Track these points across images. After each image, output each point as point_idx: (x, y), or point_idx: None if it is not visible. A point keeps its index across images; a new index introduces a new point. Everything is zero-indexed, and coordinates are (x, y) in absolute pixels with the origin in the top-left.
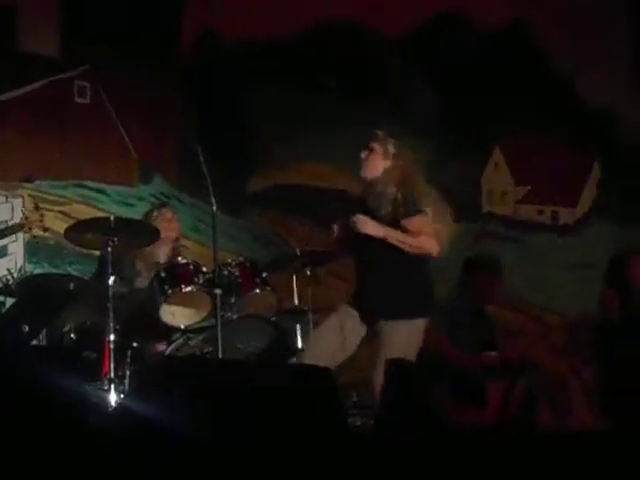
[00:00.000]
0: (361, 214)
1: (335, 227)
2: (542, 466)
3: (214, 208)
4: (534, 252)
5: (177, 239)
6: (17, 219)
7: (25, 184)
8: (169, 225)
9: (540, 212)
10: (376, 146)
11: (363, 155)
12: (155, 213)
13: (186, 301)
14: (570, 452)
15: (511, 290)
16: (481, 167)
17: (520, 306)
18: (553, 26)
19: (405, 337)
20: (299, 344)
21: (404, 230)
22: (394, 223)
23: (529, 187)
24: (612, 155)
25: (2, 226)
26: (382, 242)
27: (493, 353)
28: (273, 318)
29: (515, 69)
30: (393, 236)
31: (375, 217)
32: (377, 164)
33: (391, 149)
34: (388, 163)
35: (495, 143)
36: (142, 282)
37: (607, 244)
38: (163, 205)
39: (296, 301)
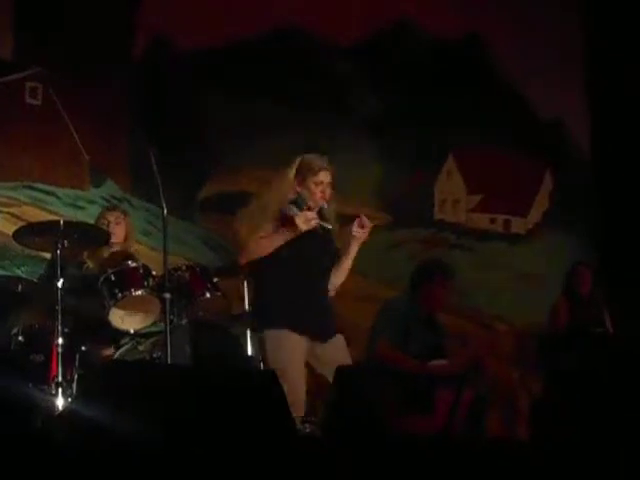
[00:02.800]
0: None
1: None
2: (486, 473)
3: (165, 212)
4: (485, 260)
5: (127, 243)
6: None
7: None
8: (117, 228)
9: (492, 221)
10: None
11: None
12: (105, 215)
13: (136, 305)
14: (516, 460)
15: (462, 298)
16: (434, 175)
17: (470, 314)
18: (504, 37)
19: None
20: (249, 350)
21: None
22: None
23: (481, 196)
24: (563, 166)
25: None
26: (331, 253)
27: (442, 361)
28: (223, 323)
29: (467, 79)
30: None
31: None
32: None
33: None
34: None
35: (448, 152)
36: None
37: (557, 254)
38: (113, 208)
39: (246, 307)
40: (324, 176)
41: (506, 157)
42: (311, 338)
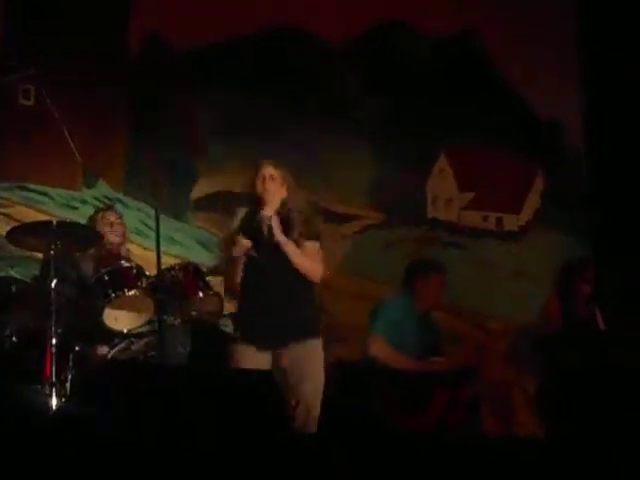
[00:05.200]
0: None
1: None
2: (482, 472)
3: (157, 211)
4: (478, 258)
5: (122, 243)
6: None
7: None
8: (112, 229)
9: (485, 218)
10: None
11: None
12: (99, 216)
13: (129, 305)
14: (511, 459)
15: (455, 296)
16: (426, 173)
17: (464, 312)
18: (501, 35)
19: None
20: None
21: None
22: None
23: (474, 193)
24: (556, 164)
25: None
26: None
27: (438, 359)
28: (217, 323)
29: (462, 77)
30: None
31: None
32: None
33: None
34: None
35: (440, 150)
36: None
37: (550, 252)
38: (108, 209)
39: None
40: (265, 169)
41: (498, 155)
42: (259, 347)
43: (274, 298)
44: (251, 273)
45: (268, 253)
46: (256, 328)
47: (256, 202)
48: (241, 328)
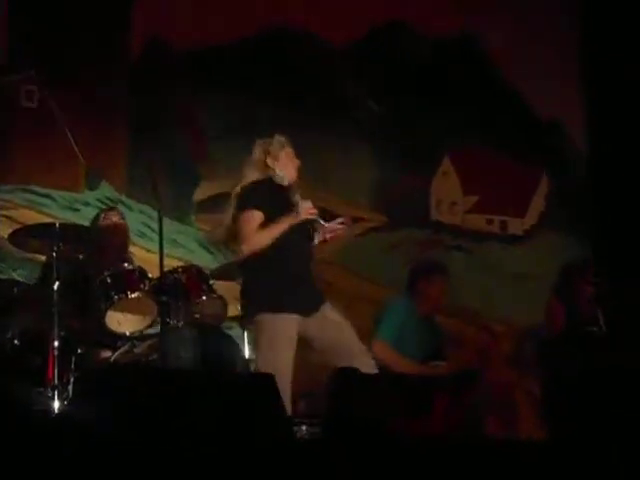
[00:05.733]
0: None
1: None
2: (485, 475)
3: (161, 213)
4: (482, 261)
5: (125, 245)
6: None
7: None
8: (115, 229)
9: (489, 222)
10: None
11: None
12: (102, 217)
13: (132, 307)
14: (514, 461)
15: (459, 299)
16: (428, 175)
17: (467, 315)
18: (502, 37)
19: None
20: (246, 352)
21: None
22: None
23: (478, 197)
24: (557, 165)
25: None
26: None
27: (441, 363)
28: (220, 326)
29: (464, 79)
30: None
31: None
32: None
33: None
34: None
35: (444, 152)
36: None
37: (554, 255)
38: (110, 209)
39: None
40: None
41: (503, 158)
42: (298, 313)
43: (301, 268)
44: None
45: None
46: (293, 295)
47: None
48: (269, 294)
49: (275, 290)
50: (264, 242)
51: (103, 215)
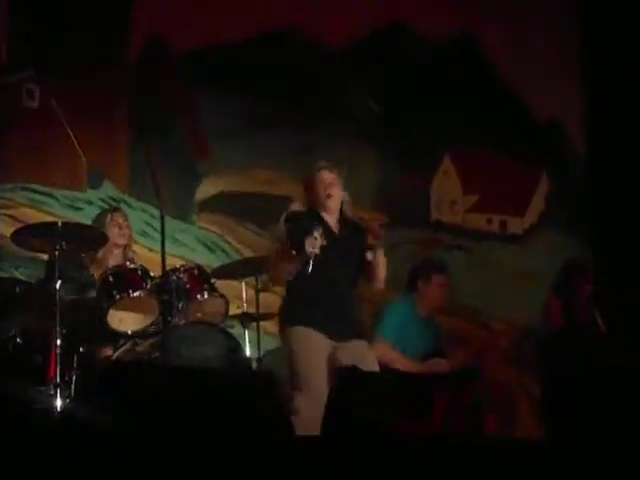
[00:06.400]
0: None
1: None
2: (485, 475)
3: (162, 212)
4: (482, 261)
5: (128, 245)
6: None
7: None
8: (120, 230)
9: (489, 221)
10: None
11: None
12: (108, 218)
13: (134, 306)
14: (513, 461)
15: (459, 298)
16: (428, 175)
17: (467, 314)
18: (502, 37)
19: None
20: (247, 351)
21: None
22: None
23: (478, 196)
24: (559, 166)
25: None
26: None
27: (441, 361)
28: (221, 324)
29: (463, 79)
30: None
31: None
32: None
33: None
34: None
35: (442, 151)
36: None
37: (554, 254)
38: (115, 210)
39: (245, 307)
40: (326, 175)
41: (502, 157)
42: (328, 336)
43: (339, 296)
44: (316, 269)
45: (336, 254)
46: (324, 318)
47: (310, 204)
48: (305, 314)
49: (309, 304)
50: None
51: (109, 215)
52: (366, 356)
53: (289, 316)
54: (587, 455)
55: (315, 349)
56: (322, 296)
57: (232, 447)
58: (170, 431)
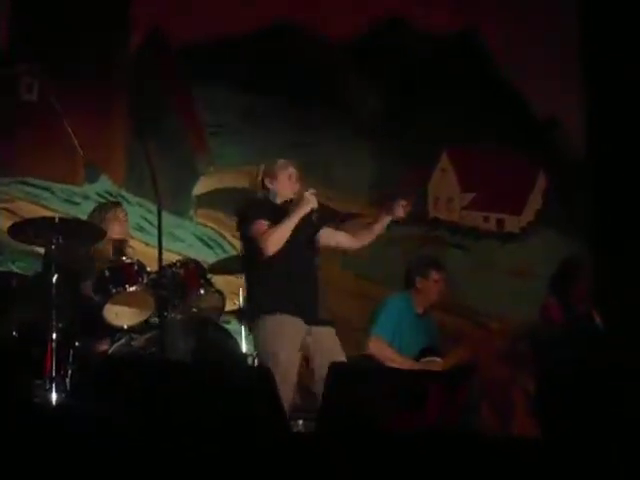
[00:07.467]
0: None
1: None
2: (480, 470)
3: (160, 207)
4: (479, 258)
5: (126, 239)
6: None
7: None
8: (120, 225)
9: (485, 219)
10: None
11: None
12: (109, 213)
13: (130, 301)
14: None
15: (455, 296)
16: (427, 172)
17: (464, 312)
18: (502, 34)
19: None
20: (243, 346)
21: None
22: None
23: (475, 194)
24: (557, 165)
25: None
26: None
27: (436, 360)
28: (218, 320)
29: (463, 76)
30: None
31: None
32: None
33: None
34: None
35: (441, 148)
36: None
37: (551, 253)
38: (116, 205)
39: (241, 303)
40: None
41: (500, 155)
42: (305, 321)
43: (308, 280)
44: (292, 251)
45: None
46: (295, 303)
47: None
48: (279, 299)
49: (278, 291)
50: (284, 236)
51: (112, 210)
52: (333, 345)
53: (261, 305)
54: (582, 453)
55: (295, 333)
56: (287, 283)
57: (228, 442)
58: (166, 426)
